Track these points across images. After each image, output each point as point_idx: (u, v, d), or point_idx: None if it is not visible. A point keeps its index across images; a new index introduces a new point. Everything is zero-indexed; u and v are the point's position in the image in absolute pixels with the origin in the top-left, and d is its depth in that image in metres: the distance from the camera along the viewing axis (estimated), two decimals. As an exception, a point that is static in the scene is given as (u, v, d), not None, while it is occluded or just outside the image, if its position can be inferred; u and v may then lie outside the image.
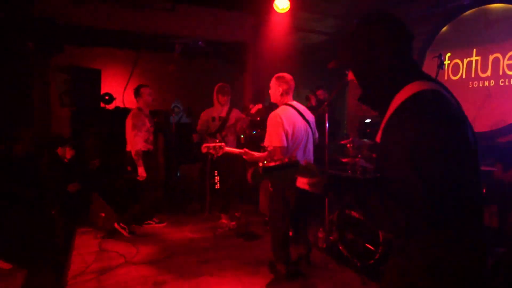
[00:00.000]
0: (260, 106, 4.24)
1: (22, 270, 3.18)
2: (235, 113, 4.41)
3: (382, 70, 1.10)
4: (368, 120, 5.25)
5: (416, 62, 1.17)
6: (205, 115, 4.38)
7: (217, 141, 4.12)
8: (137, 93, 4.07)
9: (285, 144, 2.71)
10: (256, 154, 2.78)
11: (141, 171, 3.81)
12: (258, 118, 5.31)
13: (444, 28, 4.74)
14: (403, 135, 0.95)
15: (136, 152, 3.80)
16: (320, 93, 5.60)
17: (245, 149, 2.79)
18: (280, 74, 2.93)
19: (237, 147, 4.52)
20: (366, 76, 1.13)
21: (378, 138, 1.09)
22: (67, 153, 3.70)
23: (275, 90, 2.90)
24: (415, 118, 0.95)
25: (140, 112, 3.99)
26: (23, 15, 4.52)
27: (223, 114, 4.33)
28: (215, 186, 4.42)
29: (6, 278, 3.06)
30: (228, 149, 2.91)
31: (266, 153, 2.73)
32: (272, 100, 2.98)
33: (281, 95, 2.90)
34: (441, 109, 0.97)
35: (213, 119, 4.34)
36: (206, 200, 4.47)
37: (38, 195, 3.81)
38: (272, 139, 2.71)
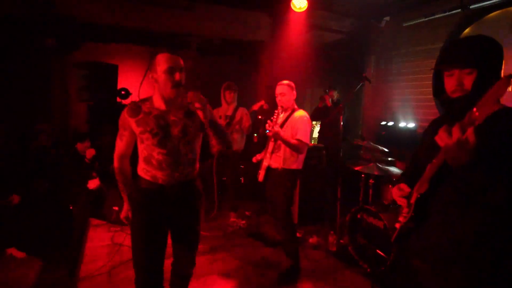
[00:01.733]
0: (262, 102, 4.22)
1: (35, 260, 3.28)
2: (241, 111, 4.39)
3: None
4: (407, 125, 5.11)
5: None
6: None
7: None
8: None
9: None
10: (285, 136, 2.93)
11: None
12: (272, 118, 5.29)
13: (467, 30, 4.61)
14: None
15: None
16: (333, 94, 5.51)
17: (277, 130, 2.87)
18: (291, 82, 3.12)
19: (245, 144, 4.54)
20: (484, 84, 1.22)
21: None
22: (88, 153, 3.74)
23: (290, 96, 3.08)
24: None
25: None
26: (42, 12, 4.62)
27: (229, 112, 4.34)
28: (224, 184, 4.43)
29: (19, 268, 3.15)
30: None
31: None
32: (285, 105, 3.10)
33: (294, 100, 3.14)
34: None
35: (220, 117, 4.36)
36: (214, 198, 4.49)
37: (57, 189, 3.90)
38: (306, 136, 2.97)
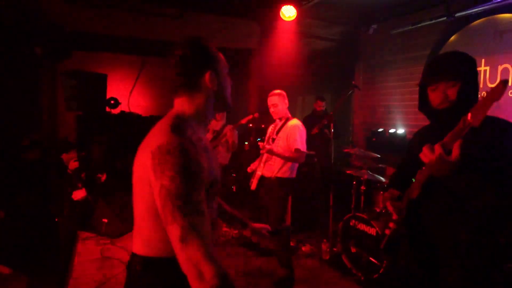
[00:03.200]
0: (250, 117, 4.22)
1: (22, 275, 3.18)
2: (228, 129, 4.31)
3: (475, 96, 1.39)
4: (396, 131, 5.14)
5: None
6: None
7: None
8: None
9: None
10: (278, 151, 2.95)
11: None
12: (263, 126, 5.30)
13: (453, 37, 4.70)
14: None
15: None
16: (321, 104, 5.52)
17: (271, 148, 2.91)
18: (280, 91, 3.12)
19: (231, 157, 4.52)
20: (466, 95, 1.36)
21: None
22: (71, 164, 3.68)
23: (282, 105, 3.10)
24: None
25: None
26: (31, 21, 4.56)
27: (217, 128, 4.35)
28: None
29: (7, 283, 3.06)
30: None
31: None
32: (279, 115, 3.12)
33: (286, 109, 3.15)
34: None
35: (207, 130, 4.35)
36: None
37: (43, 201, 3.81)
38: (302, 143, 2.99)
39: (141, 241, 1.16)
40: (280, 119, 3.13)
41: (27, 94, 5.45)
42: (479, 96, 1.42)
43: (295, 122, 3.08)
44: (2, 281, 3.20)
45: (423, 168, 1.34)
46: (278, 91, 3.12)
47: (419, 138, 1.60)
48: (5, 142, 4.71)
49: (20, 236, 3.49)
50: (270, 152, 2.90)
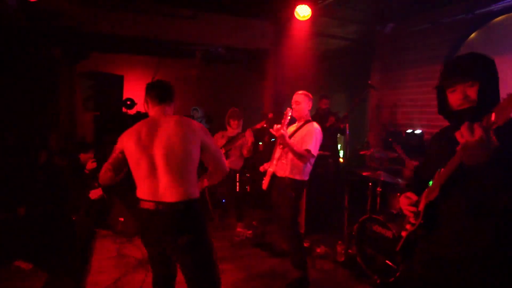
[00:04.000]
0: (271, 115, 4.21)
1: (41, 271, 3.27)
2: (248, 136, 4.29)
3: (496, 95, 1.35)
4: (413, 131, 5.03)
5: None
6: (218, 135, 4.45)
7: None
8: None
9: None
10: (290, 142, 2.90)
11: None
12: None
13: (473, 35, 4.57)
14: None
15: None
16: (325, 102, 5.48)
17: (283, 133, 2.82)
18: (308, 93, 3.10)
19: (244, 161, 4.53)
20: (487, 96, 1.32)
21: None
22: (89, 164, 3.74)
23: (304, 105, 3.07)
24: None
25: None
26: (49, 23, 4.68)
27: (234, 134, 4.36)
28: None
29: (27, 279, 3.14)
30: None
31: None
32: (299, 114, 3.08)
33: (308, 111, 3.12)
34: None
35: (222, 136, 4.39)
36: (209, 208, 4.51)
37: (60, 200, 3.90)
38: (315, 148, 2.94)
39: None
40: (300, 119, 3.10)
41: (46, 95, 5.60)
42: (500, 95, 1.37)
43: (314, 125, 3.04)
44: (22, 277, 3.29)
45: (442, 169, 1.31)
46: (305, 92, 3.11)
47: (439, 140, 1.57)
48: (24, 142, 4.85)
49: (40, 234, 3.58)
50: (282, 137, 2.81)
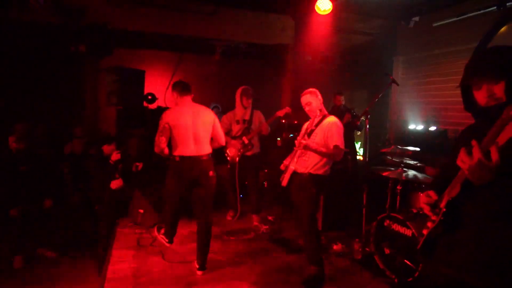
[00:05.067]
0: (288, 109, 4.20)
1: (65, 259, 3.40)
2: (258, 115, 4.43)
3: None
4: (437, 128, 4.93)
5: None
6: (227, 119, 4.42)
7: (243, 143, 4.19)
8: None
9: None
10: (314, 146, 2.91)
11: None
12: (295, 122, 5.25)
13: (503, 29, 4.37)
14: None
15: None
16: (339, 99, 5.43)
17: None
18: (312, 89, 3.10)
19: (268, 149, 4.54)
20: None
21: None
22: (114, 155, 3.87)
23: (316, 103, 3.06)
24: None
25: None
26: (76, 20, 4.82)
27: (247, 117, 4.35)
28: (245, 188, 4.46)
29: (51, 267, 3.28)
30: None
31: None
32: (315, 113, 3.06)
33: (321, 105, 3.11)
34: None
35: (237, 122, 4.37)
36: (237, 201, 4.53)
37: (84, 191, 4.03)
38: (341, 141, 2.96)
39: (206, 149, 3.22)
40: (317, 115, 3.08)
41: (72, 90, 5.79)
42: None
43: (332, 119, 3.02)
44: (48, 264, 3.44)
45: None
46: (309, 89, 3.10)
47: (466, 136, 1.51)
48: (51, 134, 5.04)
49: (64, 223, 3.72)
50: (306, 147, 2.84)
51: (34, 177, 3.67)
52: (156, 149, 3.02)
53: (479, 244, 1.29)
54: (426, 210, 1.47)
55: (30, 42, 5.33)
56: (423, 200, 1.50)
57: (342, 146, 2.91)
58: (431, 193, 1.48)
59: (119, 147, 4.12)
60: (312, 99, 3.04)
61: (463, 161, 1.11)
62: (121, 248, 3.63)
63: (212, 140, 3.29)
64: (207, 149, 3.19)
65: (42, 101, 5.50)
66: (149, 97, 5.96)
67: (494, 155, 1.04)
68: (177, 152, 3.09)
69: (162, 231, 3.60)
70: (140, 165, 4.27)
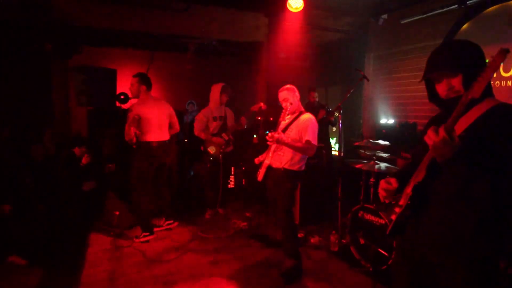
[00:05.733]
0: (261, 104, 4.25)
1: (37, 266, 3.27)
2: (230, 112, 4.55)
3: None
4: (407, 122, 5.12)
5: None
6: (204, 115, 4.42)
7: (224, 140, 4.22)
8: None
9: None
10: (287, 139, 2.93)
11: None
12: (271, 119, 5.29)
13: (465, 26, 4.59)
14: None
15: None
16: (313, 95, 5.55)
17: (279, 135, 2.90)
18: (290, 85, 3.12)
19: (245, 145, 4.59)
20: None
21: (459, 131, 1.30)
22: (84, 158, 3.78)
23: (293, 99, 3.07)
24: None
25: None
26: (41, 18, 4.63)
27: (222, 113, 4.40)
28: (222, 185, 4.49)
29: (22, 275, 3.14)
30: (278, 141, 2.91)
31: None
32: (292, 110, 3.08)
33: (298, 101, 3.13)
34: None
35: (214, 118, 4.39)
36: (208, 200, 4.57)
37: (54, 193, 3.89)
38: (314, 137, 2.98)
39: (166, 134, 3.96)
40: (294, 112, 3.11)
41: (39, 90, 5.55)
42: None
43: (308, 116, 3.05)
44: (18, 272, 3.29)
45: (429, 151, 1.34)
46: (287, 86, 3.10)
47: (431, 124, 1.59)
48: (18, 137, 4.82)
49: (34, 228, 3.58)
50: (279, 141, 2.87)
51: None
52: (126, 138, 3.53)
53: (441, 223, 1.38)
54: (382, 195, 1.56)
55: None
56: (382, 186, 1.57)
57: (314, 142, 2.95)
58: (392, 180, 1.56)
59: (90, 150, 4.02)
60: (289, 96, 3.05)
61: (430, 137, 1.22)
62: (95, 252, 3.54)
63: (170, 127, 4.00)
64: (167, 135, 3.93)
65: (7, 102, 5.24)
66: (122, 96, 5.82)
67: (455, 136, 1.17)
68: (147, 138, 3.70)
69: (142, 234, 3.60)
70: (112, 166, 4.19)
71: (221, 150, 4.35)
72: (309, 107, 5.32)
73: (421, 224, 1.45)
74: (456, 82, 1.37)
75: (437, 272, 1.41)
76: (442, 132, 1.18)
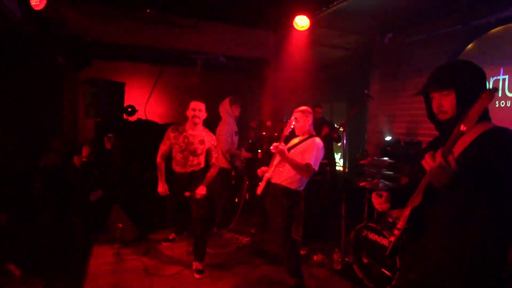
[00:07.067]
0: (268, 123, 4.30)
1: (38, 277, 3.26)
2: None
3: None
4: (412, 140, 5.11)
5: None
6: (227, 132, 4.32)
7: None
8: None
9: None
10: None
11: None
12: (275, 134, 5.32)
13: (470, 46, 4.62)
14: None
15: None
16: (318, 111, 5.55)
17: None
18: (305, 107, 3.14)
19: (250, 160, 4.62)
20: (464, 102, 1.34)
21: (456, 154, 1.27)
22: (84, 150, 3.78)
23: (304, 122, 3.09)
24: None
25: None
26: (53, 32, 4.77)
27: (236, 127, 4.41)
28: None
29: (21, 286, 3.14)
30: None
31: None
32: (301, 130, 3.11)
33: (310, 126, 3.14)
34: None
35: (236, 133, 4.39)
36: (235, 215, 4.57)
37: (61, 203, 3.93)
38: (316, 162, 2.96)
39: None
40: (304, 134, 3.13)
41: (50, 101, 5.68)
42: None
43: (317, 140, 3.05)
44: (18, 284, 3.29)
45: (426, 176, 1.35)
46: (303, 107, 3.13)
47: (430, 147, 1.61)
48: (27, 146, 4.90)
49: (37, 238, 3.60)
50: (281, 152, 2.86)
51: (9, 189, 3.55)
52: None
53: (439, 247, 1.37)
54: (377, 207, 1.59)
55: (7, 52, 5.21)
56: (374, 198, 1.60)
57: (315, 167, 2.93)
58: (384, 193, 1.59)
59: (90, 155, 4.04)
60: (301, 118, 3.08)
61: (427, 162, 1.21)
62: (98, 264, 3.55)
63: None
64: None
65: (20, 112, 5.36)
66: (129, 109, 5.91)
67: (452, 162, 1.17)
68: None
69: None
70: (116, 178, 4.22)
71: (243, 165, 4.38)
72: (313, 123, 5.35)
73: (420, 249, 1.45)
74: (447, 101, 1.38)
75: None
76: (439, 157, 1.18)
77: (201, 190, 3.40)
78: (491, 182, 1.22)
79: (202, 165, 3.59)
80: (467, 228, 1.31)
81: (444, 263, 1.36)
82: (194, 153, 3.47)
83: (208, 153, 3.56)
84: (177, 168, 3.52)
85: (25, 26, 4.61)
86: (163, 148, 3.58)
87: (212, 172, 3.53)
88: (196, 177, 3.50)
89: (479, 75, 1.38)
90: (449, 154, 1.17)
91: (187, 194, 3.44)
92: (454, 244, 1.34)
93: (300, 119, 3.07)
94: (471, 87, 1.35)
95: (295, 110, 3.14)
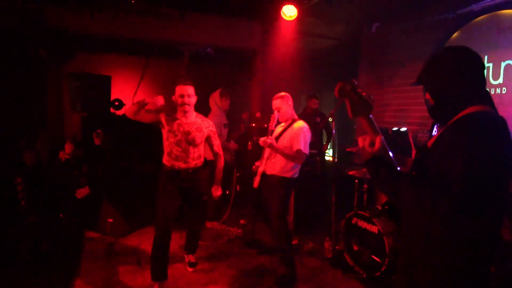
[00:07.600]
0: (258, 114, 4.29)
1: (31, 276, 3.22)
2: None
3: (452, 94, 1.33)
4: (399, 129, 5.16)
5: (484, 87, 1.38)
6: (216, 124, 4.23)
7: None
8: None
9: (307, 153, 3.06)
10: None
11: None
12: (265, 125, 5.32)
13: (455, 34, 4.67)
14: (458, 143, 1.16)
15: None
16: (313, 102, 5.55)
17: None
18: (284, 93, 3.14)
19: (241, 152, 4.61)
20: (440, 97, 1.37)
21: (429, 144, 1.33)
22: (67, 148, 3.71)
23: (286, 109, 3.11)
24: (467, 132, 1.17)
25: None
26: (36, 24, 4.63)
27: (226, 120, 4.39)
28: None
29: (16, 284, 3.11)
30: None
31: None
32: (285, 117, 3.12)
33: (291, 109, 3.16)
34: (488, 126, 1.19)
35: (225, 125, 4.37)
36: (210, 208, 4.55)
37: (47, 203, 3.87)
38: (305, 146, 3.00)
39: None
40: (287, 120, 3.15)
41: (34, 96, 5.54)
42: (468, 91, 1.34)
43: (301, 124, 3.08)
44: (10, 283, 3.24)
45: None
46: (281, 93, 3.14)
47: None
48: (10, 143, 4.79)
49: (26, 235, 3.55)
50: (271, 146, 2.90)
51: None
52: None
53: (403, 239, 1.41)
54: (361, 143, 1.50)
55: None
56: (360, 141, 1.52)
57: (305, 151, 2.99)
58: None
59: (76, 151, 3.97)
60: (281, 104, 3.10)
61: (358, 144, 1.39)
62: (89, 261, 3.52)
63: None
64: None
65: (1, 107, 5.21)
66: (116, 103, 5.81)
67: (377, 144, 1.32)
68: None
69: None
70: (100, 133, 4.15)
71: (232, 157, 4.36)
72: (306, 112, 5.35)
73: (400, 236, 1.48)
74: (427, 92, 1.41)
75: None
76: (361, 140, 1.36)
77: (218, 191, 3.14)
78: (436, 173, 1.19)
79: (203, 157, 3.11)
80: (420, 224, 1.29)
81: (407, 256, 1.38)
82: (194, 144, 2.92)
83: (208, 141, 3.07)
84: (176, 164, 2.92)
85: (4, 19, 4.46)
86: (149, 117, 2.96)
87: (220, 165, 3.13)
88: (200, 172, 3.05)
89: (451, 62, 1.34)
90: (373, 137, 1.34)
91: (205, 198, 3.25)
92: (414, 237, 1.33)
93: (281, 105, 3.09)
94: (448, 75, 1.32)
95: (274, 98, 3.15)
